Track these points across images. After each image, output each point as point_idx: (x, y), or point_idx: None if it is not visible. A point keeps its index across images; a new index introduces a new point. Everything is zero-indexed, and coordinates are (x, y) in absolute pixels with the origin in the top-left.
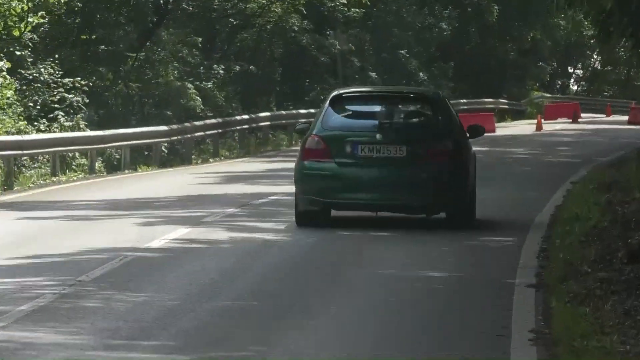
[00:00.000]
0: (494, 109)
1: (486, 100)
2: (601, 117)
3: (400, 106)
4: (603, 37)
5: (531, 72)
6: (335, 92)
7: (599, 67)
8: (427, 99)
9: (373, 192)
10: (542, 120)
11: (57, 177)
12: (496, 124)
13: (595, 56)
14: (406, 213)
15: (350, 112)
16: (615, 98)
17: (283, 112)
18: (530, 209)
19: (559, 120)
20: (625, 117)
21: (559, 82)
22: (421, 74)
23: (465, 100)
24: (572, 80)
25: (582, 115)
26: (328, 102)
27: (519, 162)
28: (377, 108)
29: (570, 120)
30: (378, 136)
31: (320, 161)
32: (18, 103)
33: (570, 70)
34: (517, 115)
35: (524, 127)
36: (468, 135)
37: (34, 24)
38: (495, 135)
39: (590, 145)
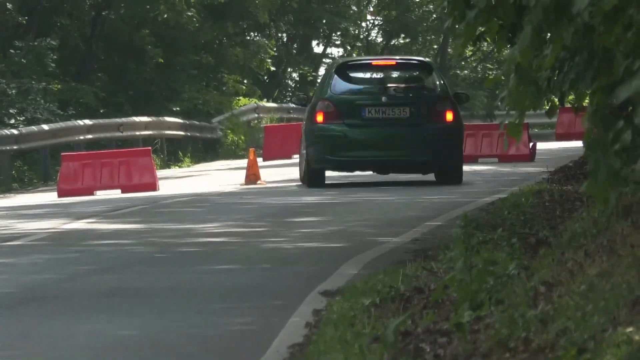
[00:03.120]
0: (154, 139)
1: (137, 120)
2: None
3: (401, 72)
4: None
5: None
6: (340, 61)
7: None
8: (427, 65)
9: (379, 150)
10: (262, 159)
11: None
12: (157, 172)
13: None
14: (407, 171)
15: (356, 79)
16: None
17: None
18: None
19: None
20: None
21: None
22: None
23: (90, 122)
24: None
25: None
26: (334, 70)
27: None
28: (380, 74)
29: None
30: (383, 99)
31: (331, 123)
32: None
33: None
34: (207, 149)
35: (220, 177)
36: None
37: None
38: (158, 196)
39: (377, 207)
